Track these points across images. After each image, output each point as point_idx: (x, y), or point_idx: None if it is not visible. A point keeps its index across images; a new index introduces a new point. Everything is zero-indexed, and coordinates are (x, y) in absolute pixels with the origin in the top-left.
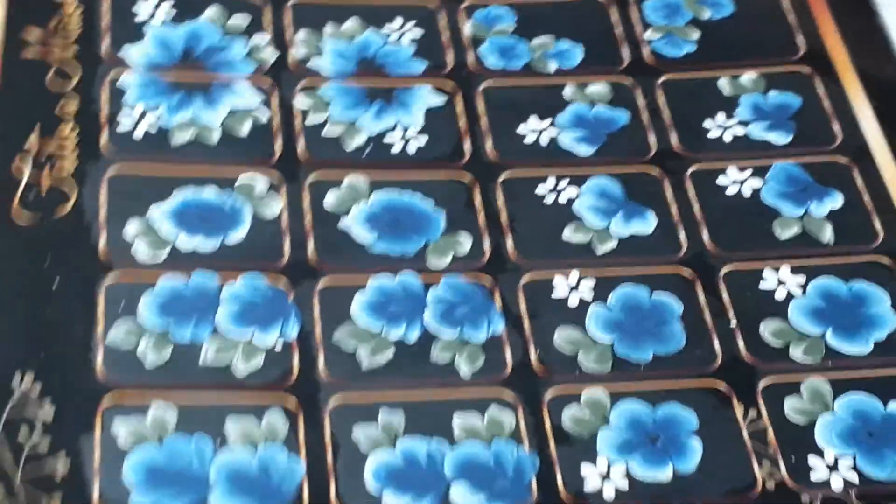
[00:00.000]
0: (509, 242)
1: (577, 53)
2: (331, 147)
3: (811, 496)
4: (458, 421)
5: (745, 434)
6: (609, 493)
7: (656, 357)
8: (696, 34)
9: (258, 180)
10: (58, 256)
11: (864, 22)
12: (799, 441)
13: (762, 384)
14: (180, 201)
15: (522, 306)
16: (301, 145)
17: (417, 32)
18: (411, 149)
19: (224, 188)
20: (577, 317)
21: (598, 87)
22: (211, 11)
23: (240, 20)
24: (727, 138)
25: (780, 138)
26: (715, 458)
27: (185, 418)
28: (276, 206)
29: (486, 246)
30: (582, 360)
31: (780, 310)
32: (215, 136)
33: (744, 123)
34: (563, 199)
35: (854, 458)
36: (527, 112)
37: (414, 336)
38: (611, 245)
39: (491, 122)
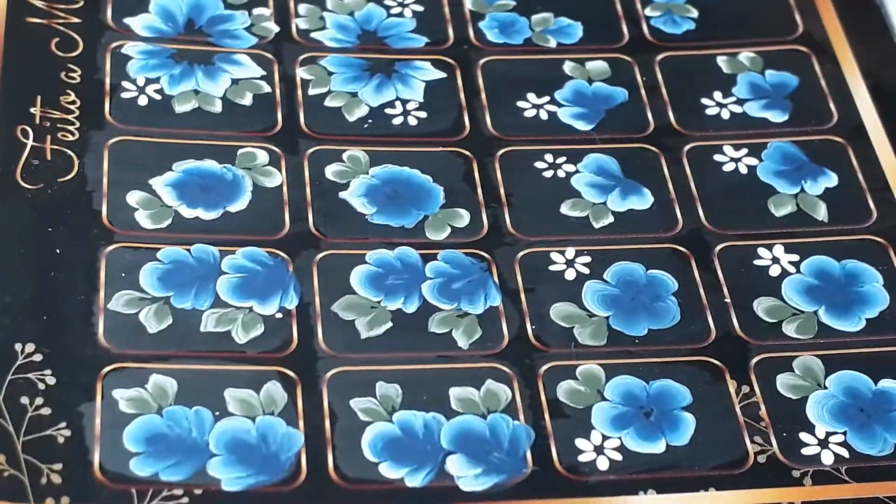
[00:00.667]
0: (507, 216)
1: (576, 30)
2: (332, 119)
3: (801, 471)
4: (455, 393)
5: (738, 409)
6: (603, 466)
7: (651, 332)
8: (695, 12)
9: (259, 151)
10: (61, 223)
11: (861, 2)
12: (791, 417)
13: (755, 360)
14: (182, 170)
15: (519, 280)
16: (302, 116)
17: (419, 7)
18: (411, 122)
19: (225, 158)
20: (573, 291)
21: (598, 64)
22: None
23: None
24: (724, 116)
25: (777, 117)
26: (707, 432)
27: (184, 387)
28: (276, 177)
29: (484, 220)
30: (577, 334)
31: (773, 287)
32: (217, 107)
33: (741, 102)
34: (561, 174)
35: (845, 435)
36: (526, 88)
37: (412, 308)
38: (607, 220)
39: (490, 96)
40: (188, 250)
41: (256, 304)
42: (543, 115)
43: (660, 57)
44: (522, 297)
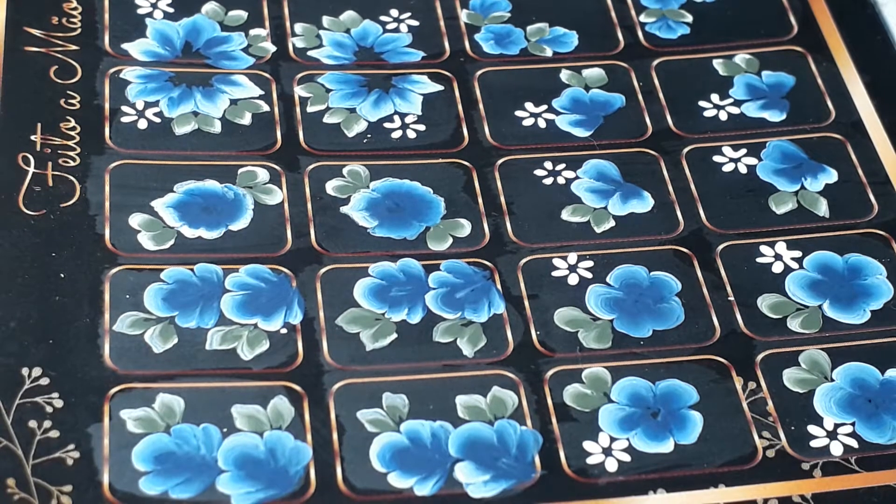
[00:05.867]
0: (508, 224)
1: (572, 39)
2: (331, 135)
3: (811, 463)
4: (461, 401)
5: (745, 405)
6: (611, 467)
7: (656, 333)
8: (689, 17)
9: (260, 169)
10: (64, 248)
11: (854, 0)
12: (798, 410)
13: (761, 356)
14: (183, 191)
15: (522, 287)
16: (301, 134)
17: (414, 22)
18: (410, 135)
19: (226, 178)
20: (576, 296)
21: (594, 71)
22: (209, 6)
23: (238, 14)
24: (722, 117)
25: (775, 116)
26: (715, 429)
27: (192, 405)
28: (277, 194)
29: (486, 228)
30: (582, 338)
31: (777, 283)
32: (217, 127)
33: (738, 103)
34: (561, 181)
35: (854, 425)
36: (524, 97)
37: (416, 319)
38: (609, 225)
39: (488, 107)
40: (192, 270)
41: (261, 321)
42: (542, 124)
43: (656, 62)
44: (526, 303)
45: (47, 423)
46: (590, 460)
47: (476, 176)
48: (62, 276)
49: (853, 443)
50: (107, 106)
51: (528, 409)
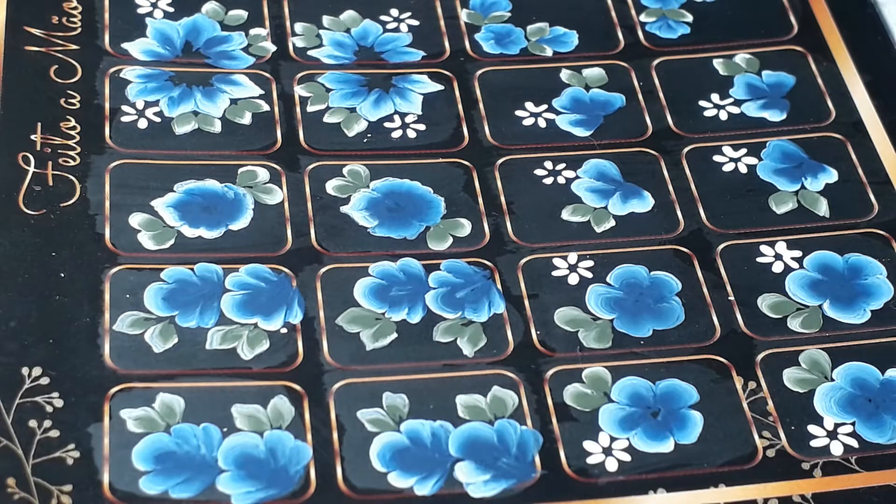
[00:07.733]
0: (508, 224)
1: (572, 38)
2: (331, 134)
3: (811, 463)
4: (461, 400)
5: (745, 405)
6: (612, 467)
7: (656, 333)
8: (689, 17)
9: (260, 169)
10: (64, 248)
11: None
12: (799, 410)
13: (761, 356)
14: (183, 191)
15: (522, 286)
16: (301, 133)
17: (414, 21)
18: (410, 135)
19: (226, 177)
20: (576, 295)
21: (594, 71)
22: (209, 6)
23: (238, 13)
24: (722, 117)
25: (775, 116)
26: (715, 429)
27: (192, 405)
28: (277, 194)
29: (486, 228)
30: (582, 338)
31: (777, 283)
32: (217, 127)
33: (738, 102)
34: (561, 180)
35: (854, 425)
36: (524, 96)
37: (416, 318)
38: (609, 224)
39: (488, 107)
40: (192, 269)
41: (261, 320)
42: (542, 123)
43: (656, 62)
44: (526, 303)
45: (47, 423)
46: (590, 460)
47: (476, 175)
48: (62, 275)
49: (853, 442)
50: (107, 105)
51: (528, 409)
